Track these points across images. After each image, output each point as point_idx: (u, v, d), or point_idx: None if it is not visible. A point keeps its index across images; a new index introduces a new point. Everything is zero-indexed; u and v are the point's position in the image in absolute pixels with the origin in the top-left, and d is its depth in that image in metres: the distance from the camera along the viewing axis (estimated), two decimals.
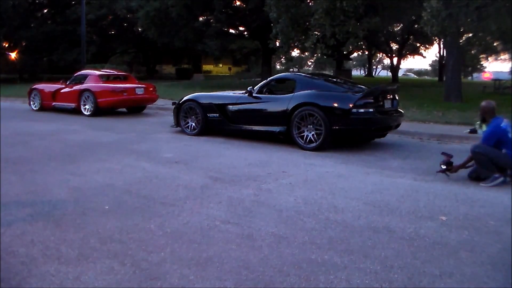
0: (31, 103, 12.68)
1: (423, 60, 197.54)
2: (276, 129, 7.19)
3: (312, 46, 16.90)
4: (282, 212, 3.85)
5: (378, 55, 54.37)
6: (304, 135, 6.87)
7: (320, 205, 4.03)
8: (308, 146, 6.80)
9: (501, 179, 4.90)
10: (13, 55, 30.35)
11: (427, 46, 40.70)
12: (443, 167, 5.12)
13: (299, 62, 52.85)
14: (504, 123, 5.07)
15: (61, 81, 12.64)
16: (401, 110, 7.66)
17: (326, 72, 34.06)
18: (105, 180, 4.84)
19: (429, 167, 5.75)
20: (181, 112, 8.37)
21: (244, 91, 7.99)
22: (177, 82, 27.38)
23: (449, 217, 3.74)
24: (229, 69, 46.86)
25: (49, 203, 4.00)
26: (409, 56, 44.26)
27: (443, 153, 5.22)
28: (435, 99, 15.15)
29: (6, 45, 31.04)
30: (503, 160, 4.91)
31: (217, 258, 2.89)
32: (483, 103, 5.25)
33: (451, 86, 14.98)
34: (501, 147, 4.97)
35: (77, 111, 11.44)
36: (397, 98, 7.49)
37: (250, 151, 6.76)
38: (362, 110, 6.54)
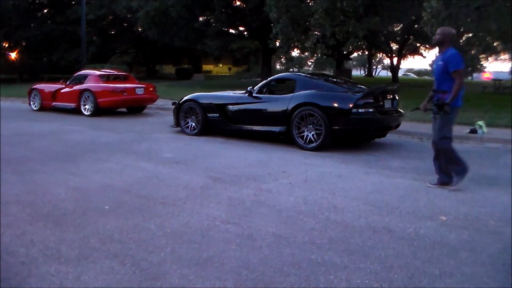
0: (31, 103, 12.68)
1: (423, 60, 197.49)
2: (276, 129, 7.19)
3: (312, 46, 16.91)
4: (282, 212, 3.85)
5: (378, 55, 54.32)
6: (304, 135, 6.87)
7: (320, 205, 4.03)
8: (308, 146, 6.80)
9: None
10: (13, 55, 30.35)
11: (427, 46, 40.66)
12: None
13: (299, 62, 52.85)
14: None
15: (61, 81, 12.65)
16: (401, 110, 7.66)
17: (326, 72, 34.06)
18: (105, 180, 4.84)
19: (429, 167, 5.74)
20: (181, 112, 8.37)
21: (244, 91, 7.99)
22: (177, 82, 27.38)
23: (449, 217, 3.74)
24: (229, 69, 46.83)
25: (49, 203, 4.00)
26: (409, 56, 44.21)
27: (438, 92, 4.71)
28: None
29: (6, 45, 31.04)
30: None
31: (217, 258, 2.89)
32: (441, 29, 4.73)
33: None
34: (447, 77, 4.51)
35: (77, 111, 11.44)
36: (397, 98, 7.49)
37: (250, 151, 6.76)
38: (362, 110, 6.54)
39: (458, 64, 4.47)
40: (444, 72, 4.57)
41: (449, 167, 4.70)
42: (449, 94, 4.50)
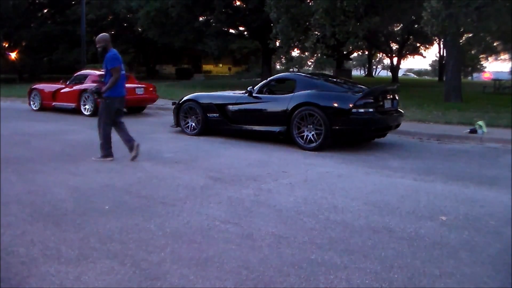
0: (31, 103, 12.68)
1: (423, 60, 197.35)
2: (276, 129, 7.18)
3: (312, 46, 16.91)
4: (282, 212, 3.85)
5: (378, 55, 54.31)
6: (304, 135, 6.87)
7: (320, 205, 4.03)
8: (308, 146, 6.80)
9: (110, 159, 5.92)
10: (13, 55, 30.35)
11: (427, 46, 40.69)
12: (95, 93, 6.05)
13: (299, 62, 52.82)
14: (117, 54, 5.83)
15: (61, 81, 12.65)
16: (401, 110, 7.67)
17: (326, 72, 34.07)
18: (105, 180, 4.84)
19: (429, 167, 5.75)
20: (181, 112, 8.37)
21: (244, 91, 7.99)
22: (177, 82, 27.38)
23: (449, 217, 3.74)
24: (229, 69, 46.80)
25: (49, 203, 4.00)
26: (409, 56, 44.23)
27: (95, 81, 5.89)
28: (435, 99, 15.15)
29: (6, 45, 31.03)
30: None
31: (217, 258, 2.89)
32: (98, 38, 5.86)
33: (451, 86, 14.98)
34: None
35: (77, 111, 11.44)
36: (397, 98, 7.49)
37: (250, 151, 6.76)
38: (362, 110, 6.54)
39: (113, 63, 5.76)
40: (106, 68, 5.83)
41: (104, 145, 5.97)
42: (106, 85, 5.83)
